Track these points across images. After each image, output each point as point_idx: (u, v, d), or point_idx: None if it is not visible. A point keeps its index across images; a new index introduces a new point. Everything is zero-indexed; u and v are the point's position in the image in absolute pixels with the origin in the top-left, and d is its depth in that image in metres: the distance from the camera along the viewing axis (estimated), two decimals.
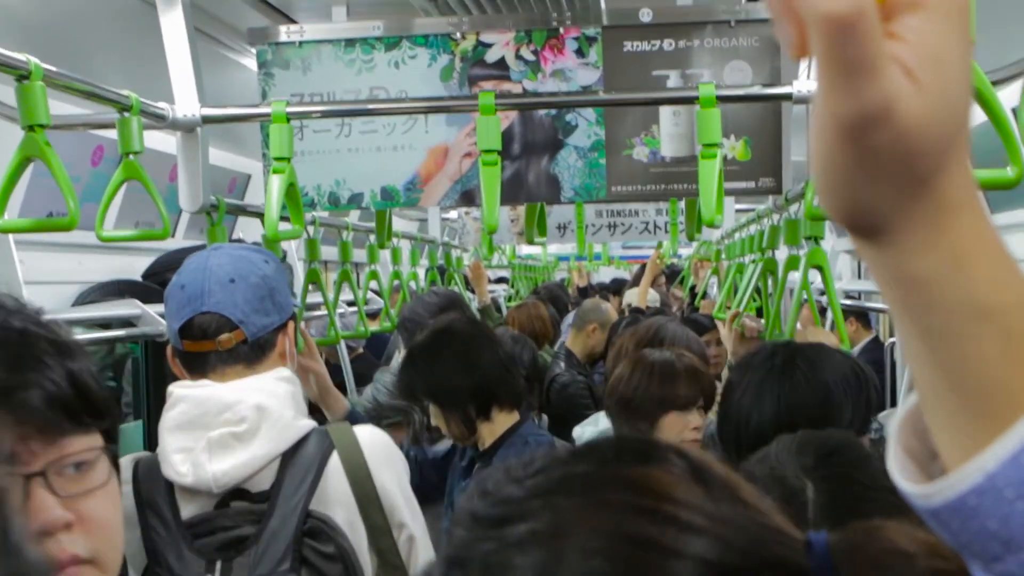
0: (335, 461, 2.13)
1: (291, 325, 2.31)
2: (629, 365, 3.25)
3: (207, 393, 2.10)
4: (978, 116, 3.96)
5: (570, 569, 0.74)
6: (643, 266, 8.48)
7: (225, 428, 2.05)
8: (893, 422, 0.71)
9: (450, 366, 3.24)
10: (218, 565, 2.01)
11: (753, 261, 4.49)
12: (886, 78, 0.60)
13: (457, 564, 0.80)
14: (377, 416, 3.82)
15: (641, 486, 0.79)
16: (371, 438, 2.23)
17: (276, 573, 1.99)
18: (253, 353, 2.19)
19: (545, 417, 5.35)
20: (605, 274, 15.92)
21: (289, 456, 2.10)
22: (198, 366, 2.18)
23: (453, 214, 8.14)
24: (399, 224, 7.70)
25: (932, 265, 0.63)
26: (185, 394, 2.10)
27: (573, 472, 0.82)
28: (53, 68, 2.22)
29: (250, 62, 3.52)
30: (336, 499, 2.11)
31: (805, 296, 3.36)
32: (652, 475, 0.80)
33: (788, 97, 2.79)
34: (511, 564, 0.76)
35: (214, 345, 2.16)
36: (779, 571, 0.77)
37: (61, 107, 2.97)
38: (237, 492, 2.07)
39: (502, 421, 3.26)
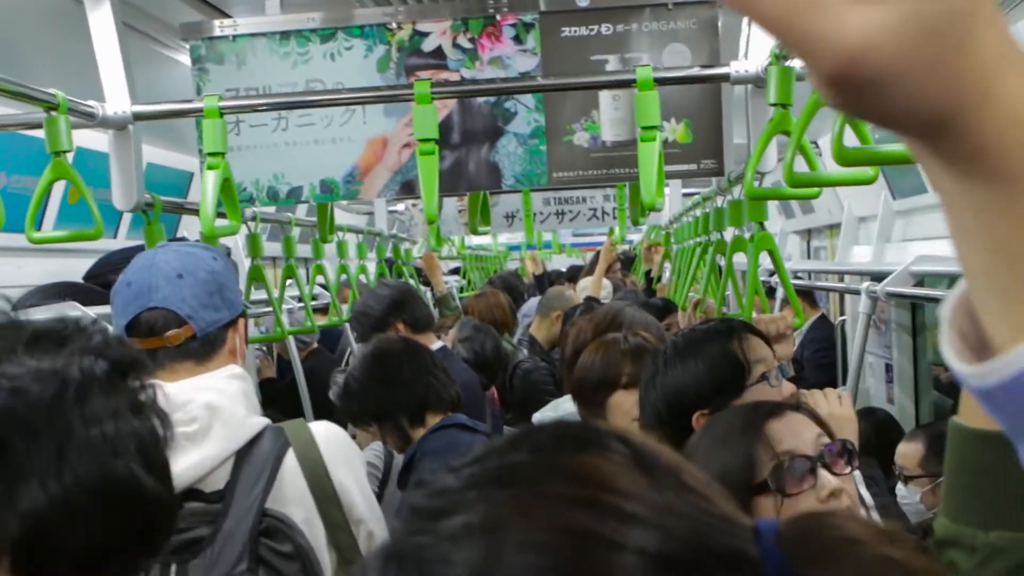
0: (291, 458, 2.09)
1: (241, 322, 2.27)
2: (589, 350, 3.26)
3: None
4: None
5: (507, 564, 0.71)
6: (597, 254, 8.48)
7: (176, 428, 2.00)
8: (944, 307, 0.68)
9: (378, 387, 3.41)
10: (173, 568, 1.96)
11: (700, 244, 4.48)
12: (833, 17, 0.55)
13: (393, 558, 0.77)
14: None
15: (580, 475, 0.76)
16: (327, 434, 2.19)
17: (233, 574, 1.94)
18: (203, 349, 2.15)
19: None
20: (558, 262, 15.92)
21: (243, 455, 2.05)
22: None
23: (400, 206, 8.11)
24: (346, 218, 7.65)
25: (992, 130, 0.58)
26: None
27: (510, 461, 0.79)
28: None
29: (184, 58, 3.48)
30: (293, 497, 2.07)
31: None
32: (592, 463, 0.77)
33: (726, 78, 2.79)
34: (447, 559, 0.73)
35: (162, 342, 2.11)
36: (726, 561, 0.74)
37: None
38: (191, 492, 2.02)
39: (434, 423, 3.39)
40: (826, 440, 1.94)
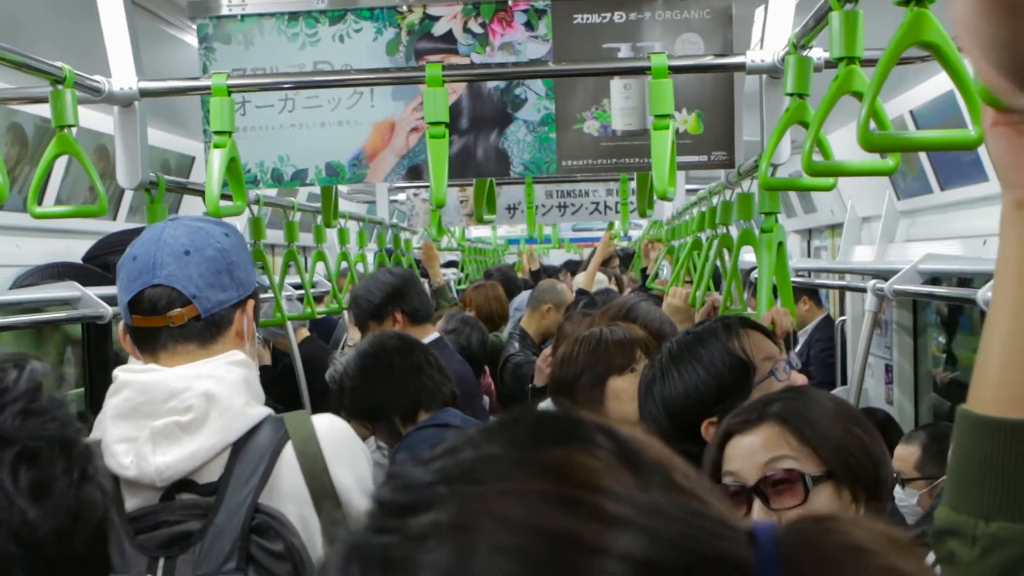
0: (288, 453, 2.01)
1: (251, 303, 2.17)
2: (564, 348, 3.19)
3: (152, 379, 1.98)
4: (939, 87, 3.94)
5: (477, 569, 0.66)
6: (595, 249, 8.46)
7: (170, 417, 1.93)
8: None
9: (370, 385, 3.38)
10: (161, 562, 1.90)
11: (708, 238, 4.45)
12: None
13: (356, 558, 0.71)
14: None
15: (560, 472, 0.70)
16: (330, 428, 2.11)
17: (221, 572, 1.88)
18: (207, 331, 2.06)
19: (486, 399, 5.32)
20: (556, 257, 15.89)
21: (240, 446, 1.98)
22: (149, 343, 2.06)
23: (401, 196, 8.08)
24: (347, 206, 7.62)
25: None
26: (129, 379, 1.98)
27: (484, 454, 0.73)
28: None
29: (191, 39, 3.44)
30: (288, 493, 1.99)
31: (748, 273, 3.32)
32: (573, 459, 0.72)
33: (742, 67, 2.75)
34: (413, 560, 0.67)
35: (165, 321, 2.03)
36: (718, 567, 0.69)
37: None
38: (184, 483, 1.95)
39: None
40: (785, 466, 1.84)
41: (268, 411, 2.06)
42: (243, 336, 2.14)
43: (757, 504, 1.85)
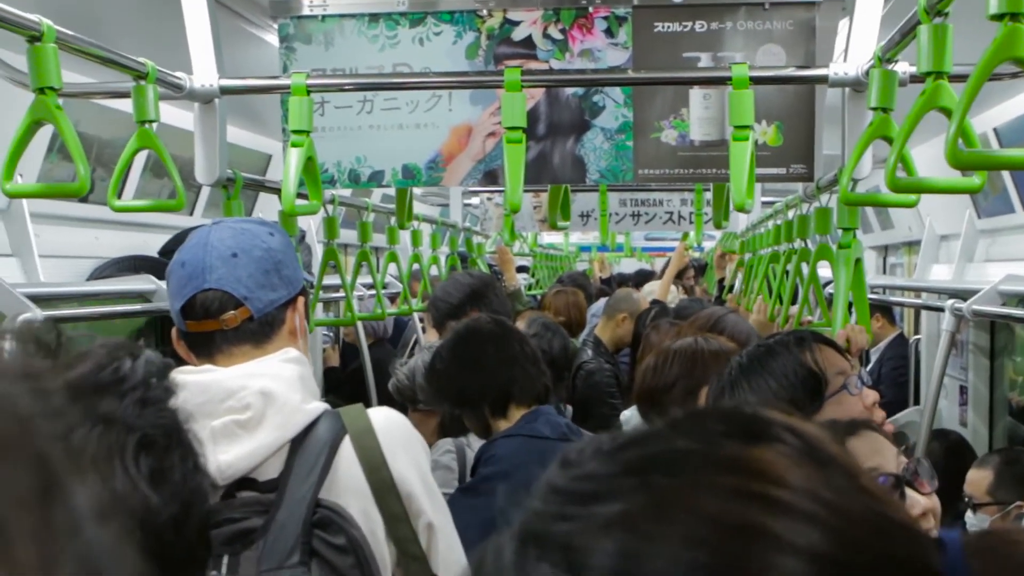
0: (347, 447, 2.02)
1: (301, 300, 2.18)
2: (656, 356, 3.15)
3: (209, 379, 1.98)
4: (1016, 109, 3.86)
5: (665, 558, 0.66)
6: (669, 259, 8.40)
7: (229, 416, 1.94)
8: None
9: (460, 371, 3.24)
10: (225, 560, 1.91)
11: (785, 253, 4.39)
12: None
13: (533, 541, 0.72)
14: (412, 398, 3.78)
15: (750, 468, 0.71)
16: (387, 421, 2.11)
17: (285, 567, 1.89)
18: (261, 331, 2.08)
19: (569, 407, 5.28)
20: (627, 266, 15.83)
21: (298, 442, 1.99)
22: (204, 347, 2.07)
23: (475, 200, 8.07)
24: (420, 208, 7.64)
25: None
26: (187, 381, 1.96)
27: (673, 448, 0.74)
28: (67, 31, 2.16)
29: (272, 38, 3.46)
30: (348, 487, 2.00)
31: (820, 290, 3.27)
32: (763, 456, 0.72)
33: (824, 80, 2.71)
34: (597, 547, 0.68)
35: (219, 324, 2.04)
36: (907, 571, 0.69)
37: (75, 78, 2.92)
38: (244, 481, 1.96)
39: (517, 417, 3.19)
40: (904, 460, 1.85)
41: (325, 406, 2.06)
42: (296, 333, 2.15)
43: None
